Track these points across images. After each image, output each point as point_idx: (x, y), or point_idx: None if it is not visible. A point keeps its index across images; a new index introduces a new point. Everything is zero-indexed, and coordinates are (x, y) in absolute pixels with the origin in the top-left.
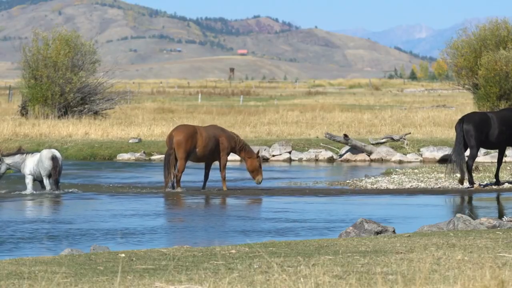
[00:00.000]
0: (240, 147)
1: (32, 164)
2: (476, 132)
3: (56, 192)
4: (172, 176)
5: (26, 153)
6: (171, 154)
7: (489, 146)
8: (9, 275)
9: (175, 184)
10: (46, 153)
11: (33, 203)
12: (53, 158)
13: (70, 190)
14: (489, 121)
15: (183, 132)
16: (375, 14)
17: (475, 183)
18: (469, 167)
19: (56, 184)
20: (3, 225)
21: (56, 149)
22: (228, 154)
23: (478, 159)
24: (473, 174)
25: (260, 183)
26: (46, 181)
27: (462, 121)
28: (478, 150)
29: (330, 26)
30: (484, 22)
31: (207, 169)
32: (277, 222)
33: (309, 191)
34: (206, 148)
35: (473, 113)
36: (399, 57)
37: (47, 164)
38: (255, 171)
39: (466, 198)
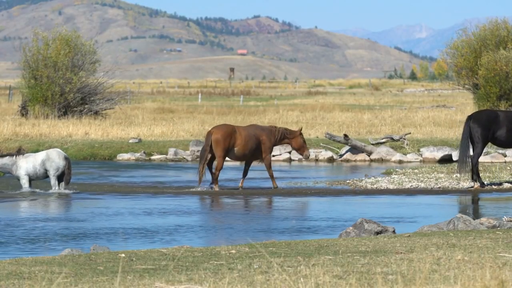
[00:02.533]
0: (281, 136)
1: (30, 164)
2: (482, 129)
3: (62, 191)
4: (203, 171)
5: (16, 155)
6: (207, 150)
7: (500, 144)
8: (9, 275)
9: (212, 184)
10: (57, 153)
11: (40, 202)
12: (66, 158)
13: (71, 190)
14: (497, 119)
15: (222, 130)
16: (375, 14)
17: (476, 183)
18: (472, 164)
19: (65, 183)
20: (24, 224)
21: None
22: (271, 152)
23: None
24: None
25: (308, 157)
26: (54, 181)
27: (470, 118)
28: (483, 148)
29: (330, 26)
30: (484, 22)
31: (247, 166)
32: (301, 221)
33: (329, 192)
34: (246, 147)
35: (482, 110)
36: (399, 57)
37: (62, 164)
38: (301, 148)
39: (466, 198)
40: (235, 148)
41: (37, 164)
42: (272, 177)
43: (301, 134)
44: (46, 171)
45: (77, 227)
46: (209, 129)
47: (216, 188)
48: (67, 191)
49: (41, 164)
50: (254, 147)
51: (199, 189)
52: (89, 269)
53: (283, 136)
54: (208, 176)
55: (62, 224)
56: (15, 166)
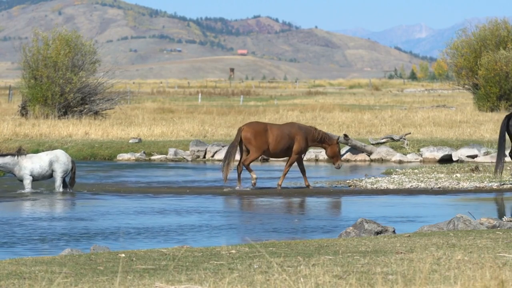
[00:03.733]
0: (319, 139)
1: (36, 165)
2: None
3: (67, 191)
4: (229, 168)
5: (18, 155)
6: (235, 147)
7: None
8: (9, 275)
9: (238, 179)
10: (65, 155)
11: (56, 202)
12: (72, 161)
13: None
14: None
15: (252, 128)
16: (375, 14)
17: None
18: None
19: (71, 185)
20: (35, 223)
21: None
22: (302, 153)
23: (478, 159)
24: (473, 174)
25: (339, 168)
26: (60, 182)
27: (508, 118)
28: None
29: (330, 26)
30: (484, 22)
31: (300, 165)
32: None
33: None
34: (277, 146)
35: None
36: (399, 57)
37: (70, 165)
38: (335, 157)
39: (467, 198)
40: (268, 147)
41: (44, 164)
42: (284, 175)
43: (337, 143)
44: (52, 171)
45: (94, 227)
46: (235, 126)
47: (238, 186)
48: (72, 191)
49: (49, 164)
50: (287, 146)
51: (237, 188)
52: (89, 269)
53: (322, 140)
54: (233, 174)
55: (81, 224)
56: (18, 167)
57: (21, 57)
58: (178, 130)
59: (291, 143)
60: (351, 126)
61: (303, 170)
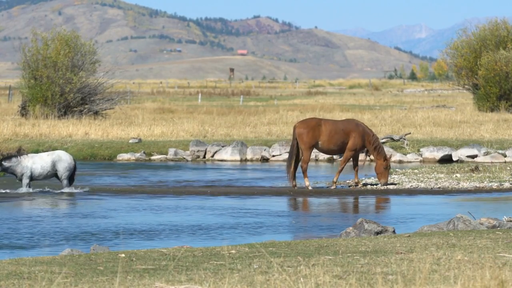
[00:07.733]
0: (373, 146)
1: (37, 165)
2: None
3: (73, 190)
4: (292, 167)
5: (20, 156)
6: (294, 145)
7: None
8: (9, 275)
9: (303, 178)
10: (67, 154)
11: (67, 202)
12: (74, 160)
13: (78, 189)
14: None
15: (305, 124)
16: (375, 14)
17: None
18: None
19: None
20: (54, 222)
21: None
22: (356, 151)
23: (477, 159)
24: (473, 174)
25: (383, 185)
26: (66, 181)
27: None
28: None
29: (330, 26)
30: (484, 22)
31: (355, 161)
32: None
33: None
34: (330, 141)
35: None
36: (399, 57)
37: (73, 164)
38: (380, 174)
39: (467, 198)
40: (319, 142)
41: (46, 165)
42: (339, 171)
43: (385, 159)
44: (56, 172)
45: (124, 225)
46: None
47: (306, 182)
48: (77, 190)
49: (52, 165)
50: (341, 142)
51: (308, 187)
52: (89, 269)
53: (375, 148)
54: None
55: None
56: (20, 166)
57: (21, 57)
58: (178, 130)
59: (346, 139)
60: None
61: (356, 167)
